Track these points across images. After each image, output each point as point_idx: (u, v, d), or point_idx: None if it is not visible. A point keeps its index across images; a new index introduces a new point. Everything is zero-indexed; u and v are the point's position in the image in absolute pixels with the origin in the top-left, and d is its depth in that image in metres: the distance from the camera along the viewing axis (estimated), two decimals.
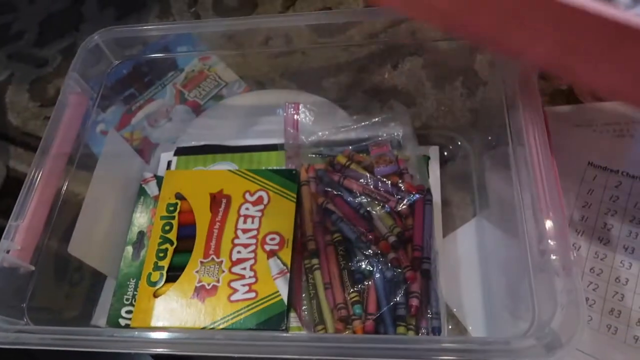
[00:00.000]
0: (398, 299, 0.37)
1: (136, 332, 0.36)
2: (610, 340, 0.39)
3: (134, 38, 0.47)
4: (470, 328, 0.41)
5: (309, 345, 0.30)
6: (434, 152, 0.49)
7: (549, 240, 0.28)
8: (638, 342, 0.38)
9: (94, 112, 0.47)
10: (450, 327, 0.41)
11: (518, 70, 0.35)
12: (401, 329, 0.37)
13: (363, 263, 0.40)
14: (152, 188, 0.49)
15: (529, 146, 0.33)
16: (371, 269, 0.39)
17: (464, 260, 0.44)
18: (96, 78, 0.46)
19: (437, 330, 0.37)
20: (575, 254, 0.29)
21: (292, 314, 0.42)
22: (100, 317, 0.45)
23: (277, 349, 0.31)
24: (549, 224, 0.29)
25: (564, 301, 0.27)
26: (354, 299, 0.38)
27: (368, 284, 0.39)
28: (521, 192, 0.34)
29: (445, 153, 0.50)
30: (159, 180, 0.49)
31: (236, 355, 0.31)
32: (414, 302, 0.37)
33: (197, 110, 0.57)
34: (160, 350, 0.31)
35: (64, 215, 0.43)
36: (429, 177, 0.46)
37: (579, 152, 0.47)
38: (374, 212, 0.42)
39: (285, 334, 0.38)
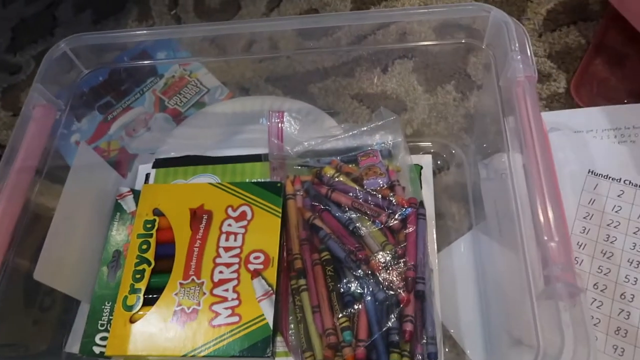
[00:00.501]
0: (391, 324, 0.35)
1: None
2: None
3: (107, 45, 0.44)
4: (468, 352, 0.38)
5: None
6: (426, 161, 0.46)
7: (554, 267, 0.26)
8: None
9: (66, 123, 0.44)
10: (447, 349, 0.39)
11: (515, 73, 0.32)
12: (395, 356, 0.34)
13: (353, 285, 0.37)
14: (128, 203, 0.46)
15: (527, 154, 0.30)
16: (362, 291, 0.37)
17: (460, 276, 0.41)
18: (66, 88, 0.43)
19: (433, 357, 0.35)
20: (582, 280, 0.26)
21: (279, 338, 0.39)
22: (74, 344, 0.42)
23: None
24: (553, 247, 0.26)
25: (572, 334, 0.24)
26: (344, 324, 0.36)
27: (358, 307, 0.36)
28: (520, 204, 0.31)
29: (439, 162, 0.47)
30: (136, 195, 0.46)
31: None
32: (408, 326, 0.35)
33: (178, 118, 0.55)
34: None
35: (35, 233, 0.40)
36: (421, 188, 0.44)
37: (579, 160, 0.45)
38: (364, 228, 0.40)
39: None
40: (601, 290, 0.39)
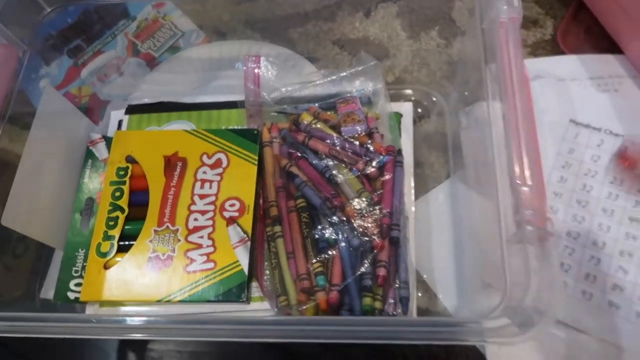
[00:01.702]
0: (364, 269, 0.35)
1: (87, 316, 0.33)
2: (585, 306, 0.37)
3: None
4: (440, 296, 0.39)
5: (270, 329, 0.28)
6: (407, 109, 0.45)
7: (525, 211, 0.26)
8: (613, 308, 0.37)
9: (33, 66, 0.42)
10: (419, 294, 0.39)
11: (499, 14, 0.31)
12: (367, 300, 0.35)
13: (328, 231, 0.37)
14: (100, 150, 0.45)
15: (508, 103, 0.29)
16: (336, 237, 0.37)
17: (436, 224, 0.42)
18: (28, 27, 0.40)
19: (405, 300, 0.35)
20: (552, 225, 0.26)
21: (254, 284, 0.40)
22: (48, 290, 0.42)
23: (240, 332, 0.28)
24: (525, 192, 0.26)
25: (538, 278, 0.24)
26: (318, 269, 0.36)
27: (333, 253, 0.36)
28: (498, 153, 0.30)
29: (419, 110, 0.46)
30: (108, 142, 0.45)
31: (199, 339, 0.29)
32: (382, 272, 0.35)
33: (151, 63, 0.52)
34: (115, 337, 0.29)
35: (4, 180, 0.39)
36: (400, 136, 0.43)
37: (561, 109, 0.44)
38: (340, 176, 0.39)
39: (247, 317, 0.36)
40: (574, 238, 0.40)
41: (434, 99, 0.46)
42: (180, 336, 0.31)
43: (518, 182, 0.27)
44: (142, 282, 0.39)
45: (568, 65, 0.46)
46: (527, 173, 0.27)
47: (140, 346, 0.41)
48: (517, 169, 0.27)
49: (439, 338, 0.24)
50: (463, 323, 0.24)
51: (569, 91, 0.45)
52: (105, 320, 0.31)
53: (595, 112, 0.44)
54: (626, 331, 0.36)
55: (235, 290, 0.38)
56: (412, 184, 0.42)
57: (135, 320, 0.29)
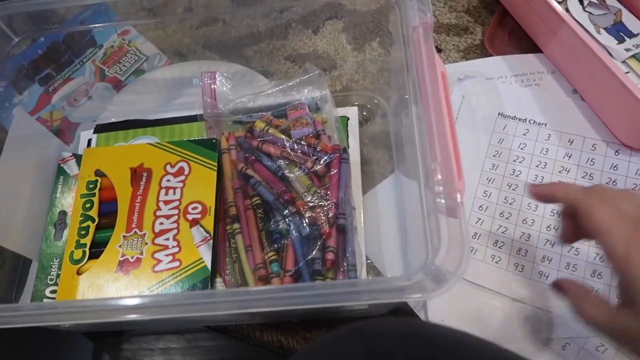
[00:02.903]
0: (314, 254, 0.39)
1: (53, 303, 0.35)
2: (518, 278, 0.41)
3: (37, 12, 0.45)
4: (389, 276, 0.43)
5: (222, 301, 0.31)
6: (352, 112, 0.49)
7: (436, 186, 0.30)
8: (543, 277, 0.41)
9: (6, 95, 0.45)
10: (370, 277, 0.43)
11: (410, 20, 0.36)
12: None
13: (281, 223, 0.41)
14: (71, 167, 0.48)
15: (421, 95, 0.34)
16: (288, 228, 0.40)
17: (383, 214, 0.45)
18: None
19: None
20: (462, 196, 0.30)
21: (219, 279, 0.43)
22: (27, 299, 0.45)
23: (201, 307, 0.31)
24: (435, 168, 0.30)
25: (448, 239, 0.28)
26: (272, 257, 0.39)
27: (285, 242, 0.40)
28: (419, 140, 0.34)
29: (365, 113, 0.51)
30: (79, 159, 0.48)
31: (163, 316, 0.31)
32: (330, 256, 0.38)
33: (118, 86, 0.56)
34: (79, 321, 0.31)
35: None
36: (347, 137, 0.47)
37: (490, 104, 0.49)
38: (291, 174, 0.43)
39: (202, 292, 0.39)
40: (506, 218, 0.44)
41: (376, 101, 0.51)
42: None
43: (429, 160, 0.31)
44: (114, 285, 0.42)
45: (495, 65, 0.51)
46: (437, 152, 0.31)
47: (114, 346, 0.44)
48: (430, 152, 0.31)
49: (360, 298, 0.28)
50: (379, 282, 0.28)
51: (496, 88, 0.50)
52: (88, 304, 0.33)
53: (520, 105, 0.48)
54: (553, 297, 0.39)
55: (200, 284, 0.41)
56: (360, 180, 0.46)
57: (119, 302, 0.31)
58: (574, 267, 0.41)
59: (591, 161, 0.44)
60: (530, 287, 0.41)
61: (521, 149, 0.47)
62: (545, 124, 0.47)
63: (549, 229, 0.43)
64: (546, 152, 0.46)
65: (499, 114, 0.48)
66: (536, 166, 0.46)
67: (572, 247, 0.41)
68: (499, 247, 0.43)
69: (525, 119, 0.48)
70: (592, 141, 0.45)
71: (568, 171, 0.45)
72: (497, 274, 0.42)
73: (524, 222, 0.43)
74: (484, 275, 0.41)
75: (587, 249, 0.41)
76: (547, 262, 0.42)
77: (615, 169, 0.44)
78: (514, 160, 0.46)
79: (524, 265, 0.42)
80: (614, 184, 0.43)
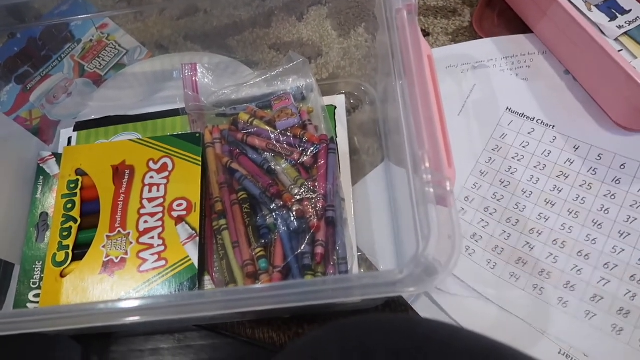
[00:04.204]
0: (303, 249, 0.37)
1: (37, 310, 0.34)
2: (488, 275, 0.40)
3: (12, 7, 0.44)
4: (382, 268, 0.42)
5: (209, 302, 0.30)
6: (340, 101, 0.48)
7: (424, 174, 0.29)
8: (512, 278, 0.40)
9: None
10: (362, 270, 0.42)
11: (393, 3, 0.34)
12: (308, 277, 0.37)
13: (268, 218, 0.40)
14: (51, 167, 0.47)
15: (407, 80, 0.32)
16: (276, 222, 0.39)
17: (374, 204, 0.44)
18: None
19: (344, 274, 0.37)
20: (452, 184, 0.29)
21: (207, 277, 0.42)
22: (11, 304, 0.43)
23: (190, 308, 0.30)
24: (423, 156, 0.29)
25: (438, 229, 0.27)
26: (259, 253, 0.38)
27: (273, 237, 0.39)
28: (406, 127, 0.33)
29: (352, 101, 0.49)
30: (59, 158, 0.47)
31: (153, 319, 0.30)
32: (319, 250, 0.37)
33: (98, 81, 0.55)
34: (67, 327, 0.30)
35: None
36: (335, 126, 0.46)
37: (501, 97, 0.47)
38: (278, 167, 0.42)
39: (190, 293, 0.38)
40: (490, 214, 0.43)
41: (364, 89, 0.49)
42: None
43: (417, 148, 0.29)
44: (98, 287, 0.40)
45: (484, 48, 0.49)
46: (424, 140, 0.30)
47: (102, 349, 0.43)
48: (415, 136, 0.30)
49: (356, 294, 0.27)
50: (376, 276, 0.26)
51: (509, 82, 0.47)
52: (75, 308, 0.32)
53: (530, 103, 0.46)
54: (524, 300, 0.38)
55: (187, 283, 0.40)
56: (349, 170, 0.45)
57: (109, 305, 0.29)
58: (547, 275, 0.40)
59: (593, 171, 0.42)
60: (500, 287, 0.40)
61: (523, 147, 0.45)
62: (554, 126, 0.45)
63: (531, 231, 0.41)
64: (548, 154, 0.44)
65: (507, 108, 0.47)
66: (534, 167, 0.44)
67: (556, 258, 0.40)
68: (476, 241, 0.42)
69: (534, 118, 0.46)
70: (598, 150, 0.43)
71: (567, 177, 0.43)
72: (470, 267, 0.40)
73: (508, 220, 0.42)
74: (459, 267, 0.40)
75: (591, 270, 0.40)
76: (522, 265, 0.40)
77: (617, 182, 0.42)
78: (513, 158, 0.45)
79: (496, 263, 0.41)
80: (613, 197, 0.41)
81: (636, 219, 0.40)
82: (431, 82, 0.33)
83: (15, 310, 0.40)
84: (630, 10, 0.46)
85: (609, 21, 0.46)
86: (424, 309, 0.40)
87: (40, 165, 0.47)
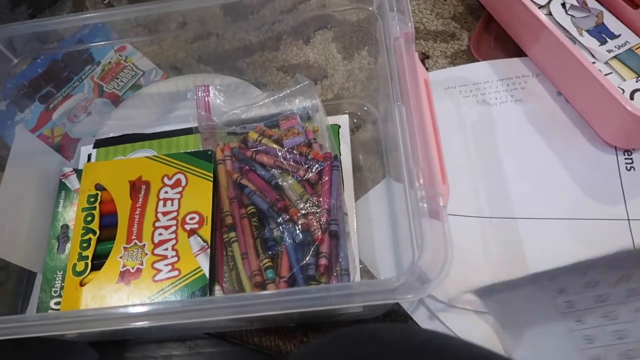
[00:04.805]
0: (308, 260, 0.40)
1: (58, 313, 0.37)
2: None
3: (36, 33, 0.47)
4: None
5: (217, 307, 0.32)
6: (344, 120, 0.51)
7: (419, 190, 0.31)
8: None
9: (8, 113, 0.47)
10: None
11: (392, 31, 0.37)
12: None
13: (275, 231, 0.42)
14: (72, 182, 0.50)
15: (406, 108, 0.35)
16: (282, 235, 0.41)
17: (376, 219, 0.47)
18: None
19: None
20: (445, 200, 0.31)
21: (217, 287, 0.44)
22: (32, 311, 0.46)
23: (200, 313, 0.32)
24: (418, 173, 0.32)
25: (431, 241, 0.29)
26: (267, 264, 0.41)
27: (279, 249, 0.41)
28: (403, 146, 0.35)
29: (355, 120, 0.52)
30: (79, 174, 0.50)
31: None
32: (323, 261, 0.40)
33: (116, 101, 0.58)
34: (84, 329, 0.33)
35: None
36: (339, 144, 0.49)
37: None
38: (285, 183, 0.44)
39: (201, 298, 0.40)
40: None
41: (366, 109, 0.52)
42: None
43: (412, 165, 0.32)
44: (115, 295, 0.43)
45: (481, 70, 0.52)
46: (419, 157, 0.32)
47: (117, 355, 0.45)
48: (412, 157, 0.33)
49: (357, 300, 0.29)
50: (375, 284, 0.29)
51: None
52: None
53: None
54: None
55: (198, 292, 0.42)
56: (352, 186, 0.47)
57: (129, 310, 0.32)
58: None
59: None
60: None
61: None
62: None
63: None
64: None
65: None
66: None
67: None
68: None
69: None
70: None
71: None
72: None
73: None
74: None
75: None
76: None
77: None
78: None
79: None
80: None
81: None
82: (427, 104, 0.35)
83: (37, 314, 0.43)
84: (620, 35, 0.49)
85: (600, 45, 0.48)
86: (423, 319, 0.42)
87: (62, 180, 0.50)
